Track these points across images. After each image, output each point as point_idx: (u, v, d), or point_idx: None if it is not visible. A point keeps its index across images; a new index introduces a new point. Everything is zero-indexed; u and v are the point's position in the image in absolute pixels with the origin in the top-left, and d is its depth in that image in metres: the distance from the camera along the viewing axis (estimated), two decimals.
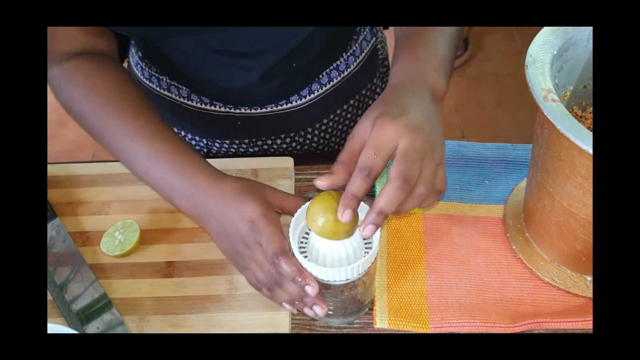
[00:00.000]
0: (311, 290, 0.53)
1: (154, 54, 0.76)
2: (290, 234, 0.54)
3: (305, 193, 0.72)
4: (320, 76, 0.77)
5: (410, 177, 0.50)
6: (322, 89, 0.77)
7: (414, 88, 0.55)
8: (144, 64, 0.79)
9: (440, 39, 0.60)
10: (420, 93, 0.55)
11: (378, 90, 0.88)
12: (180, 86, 0.77)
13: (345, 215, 0.49)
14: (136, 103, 0.63)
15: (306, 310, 0.55)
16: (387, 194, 0.49)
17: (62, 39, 0.64)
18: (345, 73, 0.79)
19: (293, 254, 0.54)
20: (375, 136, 0.50)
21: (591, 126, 0.60)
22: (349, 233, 0.52)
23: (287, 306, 0.57)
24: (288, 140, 0.81)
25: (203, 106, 0.77)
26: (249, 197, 0.56)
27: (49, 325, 0.49)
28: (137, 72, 0.81)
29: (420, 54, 0.58)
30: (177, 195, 0.59)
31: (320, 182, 0.51)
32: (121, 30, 0.66)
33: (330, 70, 0.77)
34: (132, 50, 0.82)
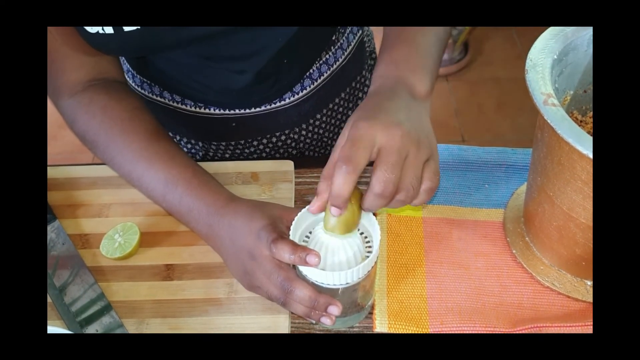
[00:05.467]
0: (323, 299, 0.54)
1: (146, 68, 0.77)
2: (290, 238, 0.54)
3: (305, 196, 0.72)
4: (311, 71, 0.77)
5: (390, 184, 0.49)
6: (313, 84, 0.78)
7: (392, 92, 0.55)
8: (135, 71, 0.80)
9: (420, 36, 0.59)
10: (398, 95, 0.55)
11: (367, 82, 0.89)
12: (172, 93, 0.78)
13: (333, 212, 0.50)
14: (152, 130, 0.66)
15: (323, 319, 0.55)
16: (368, 200, 0.50)
17: (71, 67, 0.66)
18: (335, 66, 0.80)
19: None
20: (352, 133, 0.50)
21: (591, 131, 0.60)
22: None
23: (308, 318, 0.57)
24: (283, 137, 0.82)
25: (197, 109, 0.78)
26: (258, 213, 0.58)
27: (48, 327, 0.49)
28: (128, 79, 0.81)
29: (398, 56, 0.58)
30: (193, 218, 0.61)
31: (313, 209, 0.52)
32: (116, 53, 0.67)
33: (320, 65, 0.78)
34: (122, 58, 0.82)
